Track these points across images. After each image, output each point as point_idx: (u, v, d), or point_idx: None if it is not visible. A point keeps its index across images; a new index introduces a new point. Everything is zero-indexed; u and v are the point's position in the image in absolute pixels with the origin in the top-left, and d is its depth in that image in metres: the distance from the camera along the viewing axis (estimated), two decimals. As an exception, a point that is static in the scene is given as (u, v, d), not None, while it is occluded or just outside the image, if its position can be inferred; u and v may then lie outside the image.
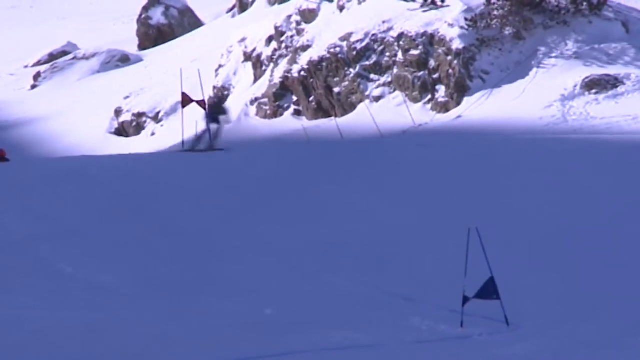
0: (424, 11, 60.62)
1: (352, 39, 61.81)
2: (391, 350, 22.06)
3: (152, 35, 78.90)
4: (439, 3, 60.54)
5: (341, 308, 24.73)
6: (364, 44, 61.01)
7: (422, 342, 22.72)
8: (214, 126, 35.43)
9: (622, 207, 30.64)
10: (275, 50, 66.61)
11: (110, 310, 23.72)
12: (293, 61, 64.44)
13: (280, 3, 71.29)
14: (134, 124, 66.21)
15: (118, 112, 65.38)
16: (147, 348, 21.45)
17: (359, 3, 60.62)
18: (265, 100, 63.92)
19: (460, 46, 58.04)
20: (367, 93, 60.16)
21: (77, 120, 62.04)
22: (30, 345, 21.24)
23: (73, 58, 75.77)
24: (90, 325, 22.58)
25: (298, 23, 66.40)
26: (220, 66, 67.17)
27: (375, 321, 23.82)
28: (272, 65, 65.61)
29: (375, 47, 60.89)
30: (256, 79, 66.18)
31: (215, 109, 36.21)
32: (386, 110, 56.50)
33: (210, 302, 24.80)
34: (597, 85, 53.11)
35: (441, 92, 57.62)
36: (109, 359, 20.85)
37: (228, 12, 77.96)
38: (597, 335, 23.36)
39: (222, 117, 35.63)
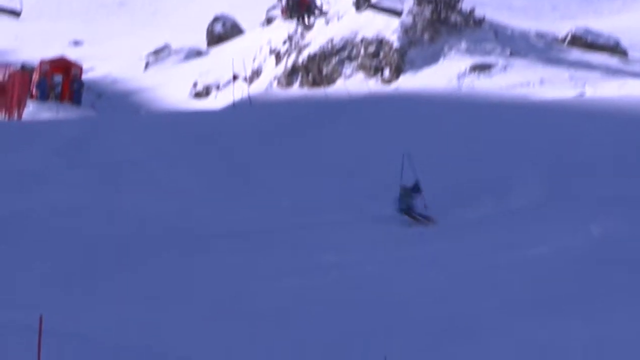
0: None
1: (334, 41, 61.21)
2: (353, 225, 21.89)
3: (215, 39, 78.20)
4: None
5: (327, 201, 24.41)
6: (341, 44, 60.43)
7: (373, 220, 22.51)
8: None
9: (501, 132, 29.88)
10: (288, 48, 65.91)
11: (190, 201, 23.50)
12: (299, 54, 63.88)
13: (292, 20, 70.48)
14: (205, 91, 65.62)
15: (195, 85, 64.59)
16: (212, 220, 21.22)
17: (338, 20, 59.79)
18: (283, 77, 63.47)
19: (398, 45, 57.37)
20: (343, 73, 59.60)
21: (172, 89, 61.34)
22: (142, 221, 20.95)
23: (168, 53, 74.98)
24: (180, 210, 22.33)
25: (302, 31, 65.63)
26: (255, 58, 66.45)
27: (346, 208, 23.55)
28: (286, 57, 64.95)
29: (347, 45, 60.34)
30: (277, 65, 65.60)
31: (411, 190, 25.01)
32: (354, 83, 56.04)
33: (249, 197, 24.53)
34: (478, 68, 52.91)
35: (386, 73, 57.09)
36: (188, 220, 20.55)
37: (260, 25, 77.24)
38: (475, 213, 23.05)
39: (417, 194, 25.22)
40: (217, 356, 13.26)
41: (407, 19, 59.30)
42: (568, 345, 13.44)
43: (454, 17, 58.88)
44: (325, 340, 13.94)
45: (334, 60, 61.06)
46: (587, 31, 63.85)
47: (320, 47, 62.82)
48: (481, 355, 13.26)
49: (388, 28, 58.67)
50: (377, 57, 58.47)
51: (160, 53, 79.19)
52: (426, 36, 57.75)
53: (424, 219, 23.14)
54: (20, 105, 46.84)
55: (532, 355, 13.17)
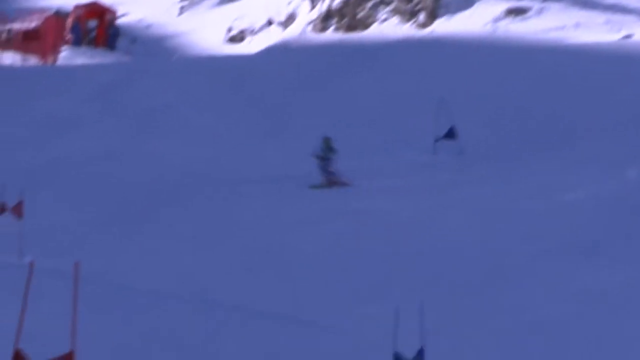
0: None
1: (368, -15, 60.83)
2: (389, 172, 21.68)
3: (249, -17, 77.77)
4: None
5: (361, 148, 24.19)
6: (375, -12, 59.98)
7: (409, 167, 22.38)
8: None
9: (537, 76, 29.87)
10: (322, -8, 65.53)
11: (222, 146, 23.44)
12: (333, -1, 63.54)
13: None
14: (239, 36, 65.39)
15: (229, 30, 64.23)
16: (244, 166, 21.17)
17: (372, -36, 59.15)
18: (317, 22, 63.10)
19: (433, -10, 56.88)
20: (378, 17, 59.14)
21: (206, 34, 61.04)
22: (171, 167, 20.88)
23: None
24: (213, 156, 22.31)
25: (336, -25, 65.22)
26: (290, 2, 66.03)
27: (380, 155, 23.40)
28: (321, 1, 64.54)
29: (382, -10, 59.82)
30: (311, 10, 65.22)
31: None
32: (389, 28, 55.63)
33: (282, 143, 24.42)
34: (513, 12, 52.19)
35: (422, 17, 56.55)
36: (221, 165, 20.51)
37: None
38: (510, 158, 22.85)
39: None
40: (250, 299, 13.22)
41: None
42: (604, 288, 13.34)
43: (489, -40, 58.33)
44: (362, 286, 13.87)
45: (369, 4, 60.80)
46: (624, -27, 63.18)
47: (354, -10, 62.59)
48: (518, 299, 13.16)
49: (423, -27, 58.32)
50: (412, 2, 58.11)
51: (194, -2, 79.47)
52: (461, -20, 57.34)
53: (340, 181, 21.02)
54: (55, 51, 46.97)
55: (568, 298, 13.07)
